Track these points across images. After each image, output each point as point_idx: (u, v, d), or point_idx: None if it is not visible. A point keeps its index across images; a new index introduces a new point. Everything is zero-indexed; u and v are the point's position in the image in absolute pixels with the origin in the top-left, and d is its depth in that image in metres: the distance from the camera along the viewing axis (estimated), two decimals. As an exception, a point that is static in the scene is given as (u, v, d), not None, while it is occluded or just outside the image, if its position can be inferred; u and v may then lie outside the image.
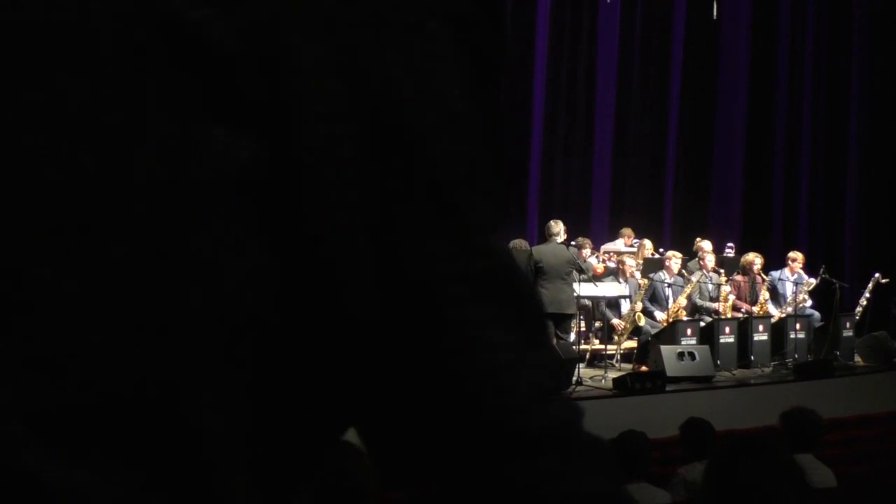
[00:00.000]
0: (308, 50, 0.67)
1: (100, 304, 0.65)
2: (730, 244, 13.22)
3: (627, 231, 12.74)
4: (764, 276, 12.15)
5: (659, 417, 7.48)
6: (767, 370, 10.96)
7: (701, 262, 11.51)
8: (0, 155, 0.66)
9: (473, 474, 0.70)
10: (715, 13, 14.48)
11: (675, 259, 11.24)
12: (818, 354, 11.63)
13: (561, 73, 14.89)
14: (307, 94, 0.67)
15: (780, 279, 12.17)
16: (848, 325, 12.02)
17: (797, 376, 10.43)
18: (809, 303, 12.26)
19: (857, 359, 11.98)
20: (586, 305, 10.88)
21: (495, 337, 0.69)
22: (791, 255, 12.36)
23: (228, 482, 0.68)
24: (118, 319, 0.65)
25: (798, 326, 11.49)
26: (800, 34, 16.08)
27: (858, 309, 12.54)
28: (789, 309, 11.83)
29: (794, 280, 12.04)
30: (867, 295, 12.58)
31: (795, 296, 11.90)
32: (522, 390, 0.70)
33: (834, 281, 12.11)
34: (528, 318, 0.71)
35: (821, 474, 4.81)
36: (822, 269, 12.33)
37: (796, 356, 11.23)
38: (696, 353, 9.94)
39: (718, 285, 11.50)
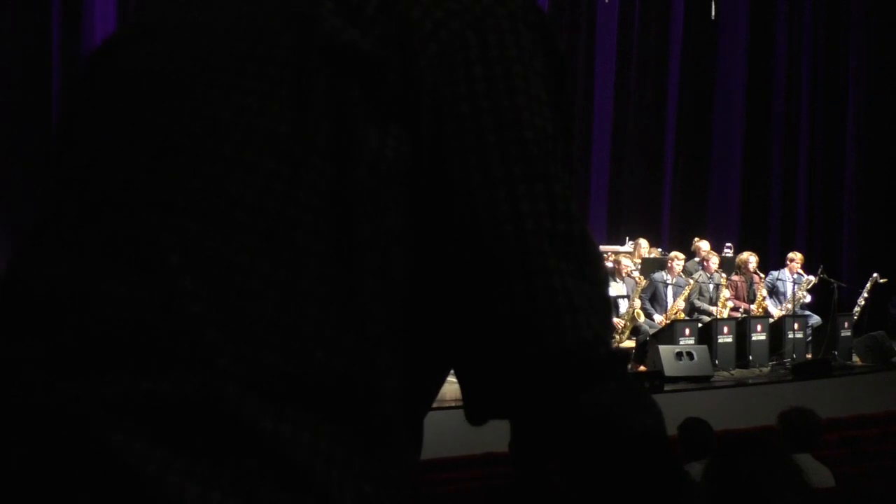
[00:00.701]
0: (431, 50, 0.87)
1: (301, 290, 0.84)
2: (728, 244, 13.21)
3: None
4: (761, 275, 12.15)
5: (657, 417, 7.46)
6: (766, 370, 10.96)
7: (704, 264, 11.49)
8: (198, 161, 0.87)
9: (552, 397, 0.87)
10: (713, 13, 14.47)
11: (677, 260, 11.24)
12: (816, 354, 11.63)
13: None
14: (437, 91, 0.87)
15: (779, 279, 12.17)
16: (846, 324, 12.02)
17: (795, 376, 10.43)
18: (808, 299, 12.25)
19: (855, 358, 11.98)
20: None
21: (571, 285, 0.87)
22: (790, 255, 12.37)
23: (398, 428, 0.89)
24: (317, 304, 0.84)
25: (796, 326, 11.49)
26: (797, 35, 16.09)
27: (856, 309, 12.54)
28: (789, 306, 11.83)
29: (794, 280, 12.04)
30: (865, 295, 12.59)
31: (794, 295, 11.90)
32: (593, 327, 0.87)
33: (832, 281, 12.12)
34: (596, 275, 0.89)
35: (819, 474, 4.80)
36: (820, 269, 12.33)
37: (794, 356, 11.24)
38: (694, 353, 9.95)
39: (719, 286, 11.49)
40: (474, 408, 0.93)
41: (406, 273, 0.88)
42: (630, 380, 0.90)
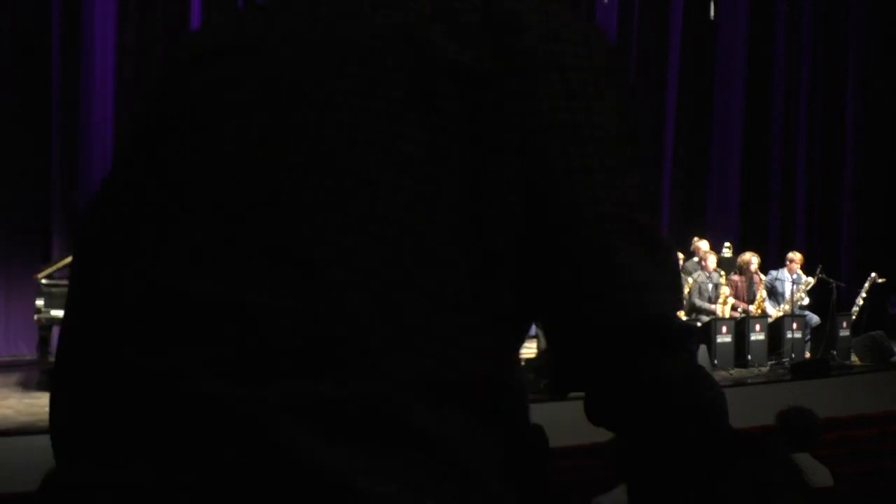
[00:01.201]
0: (539, 77, 0.99)
1: (447, 300, 0.94)
2: (727, 244, 13.22)
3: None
4: (762, 276, 12.16)
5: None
6: (764, 370, 10.98)
7: (703, 264, 11.51)
8: (344, 179, 0.95)
9: (631, 365, 0.98)
10: (712, 14, 14.49)
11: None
12: (815, 354, 11.65)
13: None
14: (541, 111, 0.98)
15: (778, 279, 12.19)
16: (844, 324, 12.05)
17: (794, 376, 10.46)
18: (807, 301, 12.27)
19: (854, 358, 12.00)
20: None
21: (647, 266, 0.99)
22: (790, 255, 12.38)
23: (523, 419, 1.02)
24: (460, 311, 0.95)
25: (795, 326, 11.51)
26: (796, 35, 16.10)
27: (855, 308, 12.56)
28: (787, 308, 11.85)
29: (793, 280, 12.05)
30: (864, 294, 12.61)
31: (793, 295, 11.92)
32: (668, 303, 0.99)
33: (831, 280, 12.13)
34: (668, 259, 1.02)
35: (818, 474, 4.82)
36: (818, 269, 12.35)
37: (793, 356, 11.25)
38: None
39: (717, 285, 11.51)
40: (559, 378, 1.04)
41: (524, 275, 0.99)
42: (695, 355, 1.06)
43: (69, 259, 9.92)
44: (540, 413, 1.09)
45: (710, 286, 11.49)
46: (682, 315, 9.24)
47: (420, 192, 0.95)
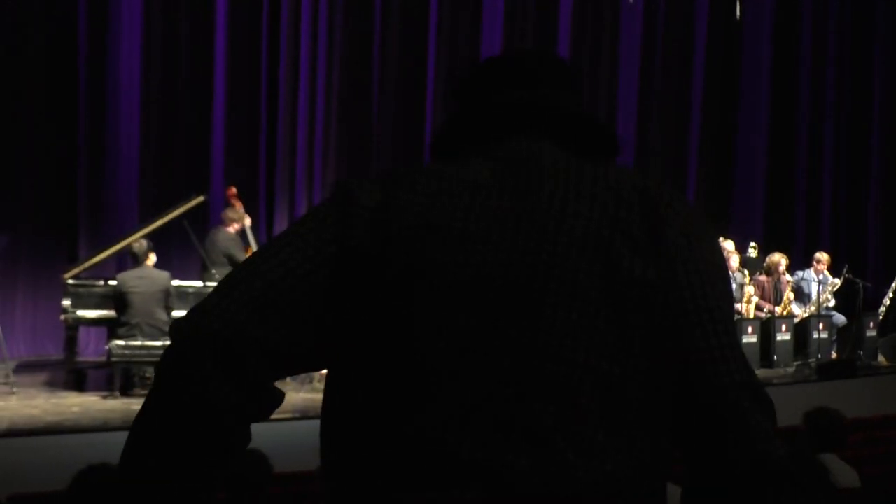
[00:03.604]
0: (689, 278, 1.39)
1: (642, 458, 1.36)
2: (752, 244, 13.16)
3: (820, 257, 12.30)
4: (789, 278, 12.10)
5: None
6: (790, 370, 10.92)
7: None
8: (560, 364, 1.32)
9: (758, 493, 1.35)
10: (738, 13, 14.42)
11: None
12: (841, 354, 11.57)
13: (583, 74, 14.85)
14: (683, 299, 1.38)
15: (804, 279, 12.12)
16: (871, 324, 11.98)
17: (820, 376, 10.39)
18: (833, 303, 12.20)
19: (881, 358, 11.93)
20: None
21: (761, 419, 1.37)
22: (817, 255, 12.30)
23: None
24: (646, 448, 1.37)
25: (821, 326, 11.45)
26: (822, 34, 16.01)
27: (882, 308, 12.48)
28: (813, 308, 11.78)
29: (820, 280, 11.98)
30: (890, 294, 12.53)
31: (819, 296, 11.85)
32: (779, 448, 1.36)
33: (857, 280, 12.06)
34: (771, 410, 1.40)
35: (844, 475, 4.79)
36: (845, 269, 12.27)
37: (819, 356, 11.19)
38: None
39: (742, 285, 11.46)
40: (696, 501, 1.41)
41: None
42: (799, 473, 1.38)
43: (95, 259, 9.99)
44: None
45: (734, 286, 11.43)
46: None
47: (612, 373, 1.33)
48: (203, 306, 1.34)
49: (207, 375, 1.30)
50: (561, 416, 1.30)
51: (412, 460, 1.30)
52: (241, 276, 1.37)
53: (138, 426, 1.37)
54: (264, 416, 1.38)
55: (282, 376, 1.39)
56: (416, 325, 1.33)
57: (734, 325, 1.43)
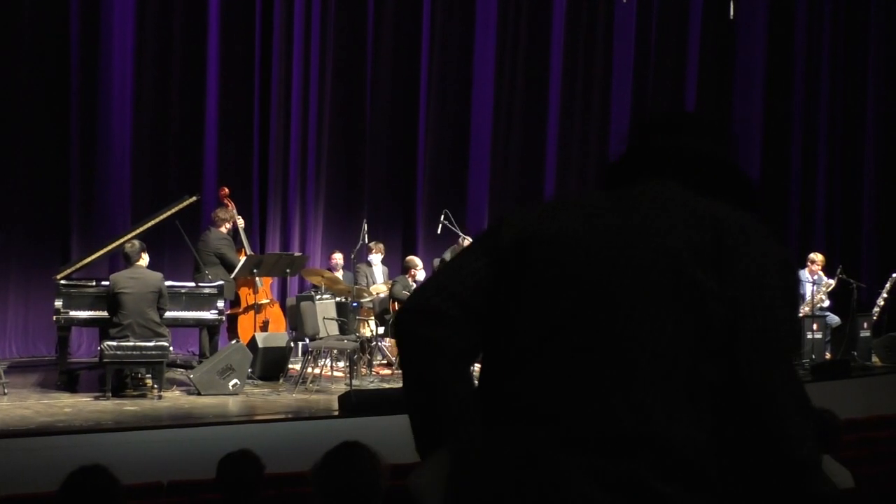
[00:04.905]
0: (749, 297, 1.71)
1: (695, 415, 1.71)
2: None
3: None
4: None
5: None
6: (784, 370, 10.90)
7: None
8: (641, 349, 1.72)
9: (799, 482, 1.67)
10: (732, 13, 14.42)
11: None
12: (835, 355, 11.58)
13: (577, 73, 14.87)
14: (744, 320, 1.70)
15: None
16: (865, 325, 11.98)
17: (814, 377, 10.39)
18: (827, 303, 12.21)
19: (875, 359, 11.94)
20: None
21: (801, 423, 1.68)
22: (811, 256, 12.31)
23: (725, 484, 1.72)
24: (702, 421, 1.71)
25: (815, 327, 11.45)
26: (816, 34, 16.02)
27: (876, 309, 12.48)
28: (807, 309, 11.78)
29: (814, 281, 11.98)
30: (884, 295, 12.52)
31: (813, 296, 11.85)
32: (811, 446, 1.68)
33: (851, 281, 12.07)
34: (815, 419, 1.71)
35: (839, 475, 4.78)
36: (839, 270, 12.28)
37: (813, 356, 11.19)
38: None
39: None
40: (748, 495, 1.71)
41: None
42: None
43: (87, 260, 9.97)
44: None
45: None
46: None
47: (686, 364, 1.69)
48: (424, 293, 1.90)
49: (438, 332, 1.85)
50: (620, 382, 1.69)
51: (508, 409, 1.78)
52: (444, 274, 1.94)
53: (406, 381, 1.90)
54: (476, 355, 1.90)
55: (476, 334, 1.88)
56: (520, 311, 1.82)
57: (792, 340, 1.76)
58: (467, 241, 12.14)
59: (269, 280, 11.12)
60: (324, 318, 10.32)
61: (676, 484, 1.67)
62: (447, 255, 12.03)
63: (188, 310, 9.91)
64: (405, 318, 1.91)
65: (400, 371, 2.00)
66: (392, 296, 10.97)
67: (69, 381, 9.43)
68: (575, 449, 1.69)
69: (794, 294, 1.77)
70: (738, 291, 1.70)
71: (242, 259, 10.54)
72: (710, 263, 1.71)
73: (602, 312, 1.74)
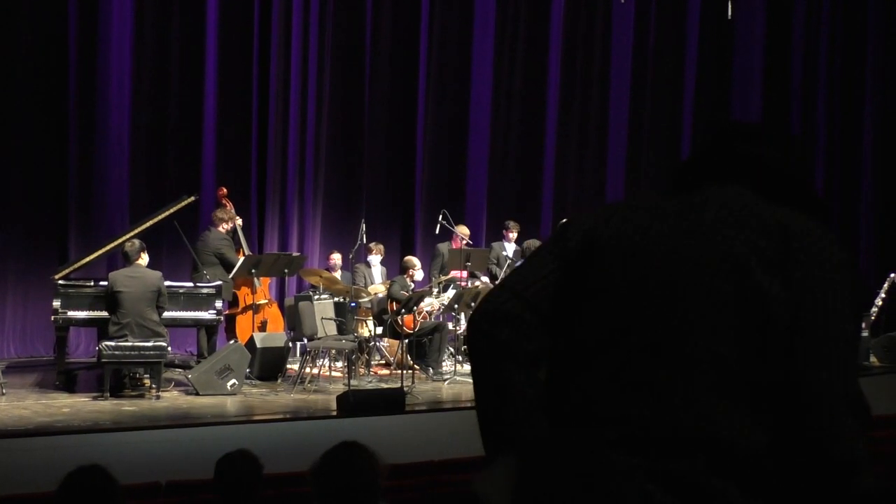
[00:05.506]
0: (810, 299, 1.74)
1: (743, 412, 1.75)
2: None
3: None
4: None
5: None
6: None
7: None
8: (691, 347, 1.77)
9: (845, 482, 1.70)
10: (730, 13, 14.43)
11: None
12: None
13: (575, 74, 14.87)
14: (800, 317, 1.74)
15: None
16: (863, 325, 11.97)
17: (813, 377, 10.38)
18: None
19: (873, 359, 11.94)
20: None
21: (850, 423, 1.71)
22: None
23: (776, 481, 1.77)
24: (750, 415, 1.75)
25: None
26: (814, 35, 16.03)
27: (874, 309, 12.48)
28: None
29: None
30: (882, 295, 12.52)
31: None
32: (860, 447, 1.71)
33: (849, 281, 12.04)
34: (866, 422, 1.74)
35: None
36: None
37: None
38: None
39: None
40: (795, 493, 1.73)
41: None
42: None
43: (86, 260, 9.96)
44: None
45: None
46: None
47: (736, 359, 1.73)
48: (496, 298, 1.95)
49: (509, 335, 1.89)
50: (681, 384, 1.74)
51: (571, 410, 1.84)
52: (515, 278, 1.98)
53: (476, 383, 1.93)
54: (545, 358, 1.93)
55: (546, 338, 1.92)
56: (585, 313, 1.87)
57: (848, 346, 1.76)
58: (464, 238, 12.16)
59: (267, 280, 11.12)
60: (322, 319, 10.32)
61: (732, 483, 1.70)
62: (444, 250, 12.06)
63: (186, 310, 9.91)
64: (477, 321, 1.95)
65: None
66: (390, 296, 10.97)
67: (67, 382, 9.43)
68: (636, 449, 1.73)
69: (855, 298, 1.80)
70: (800, 295, 1.74)
71: (241, 259, 10.54)
72: (776, 268, 1.75)
73: (665, 315, 1.79)
